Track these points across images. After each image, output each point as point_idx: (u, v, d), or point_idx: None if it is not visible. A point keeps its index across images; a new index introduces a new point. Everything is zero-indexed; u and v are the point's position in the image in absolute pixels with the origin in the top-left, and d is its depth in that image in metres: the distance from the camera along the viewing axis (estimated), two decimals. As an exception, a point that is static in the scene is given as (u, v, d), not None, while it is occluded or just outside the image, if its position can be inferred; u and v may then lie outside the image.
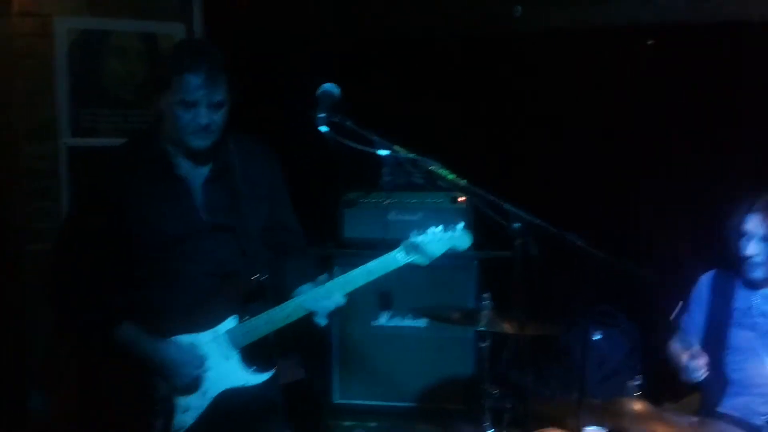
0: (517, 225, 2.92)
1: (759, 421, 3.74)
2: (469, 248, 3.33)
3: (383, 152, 3.07)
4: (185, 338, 3.28)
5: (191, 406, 3.27)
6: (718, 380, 3.88)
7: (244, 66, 5.01)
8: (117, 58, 5.22)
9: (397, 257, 3.28)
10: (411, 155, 3.09)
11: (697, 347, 3.81)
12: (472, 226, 3.33)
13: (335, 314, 3.34)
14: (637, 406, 3.49)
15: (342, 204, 5.34)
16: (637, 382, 3.57)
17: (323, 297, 3.27)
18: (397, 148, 3.08)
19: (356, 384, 5.29)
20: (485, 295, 4.18)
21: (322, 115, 3.03)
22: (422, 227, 3.30)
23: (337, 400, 5.29)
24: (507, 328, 3.98)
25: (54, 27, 5.12)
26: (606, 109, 5.52)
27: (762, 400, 3.77)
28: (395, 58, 5.69)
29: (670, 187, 5.37)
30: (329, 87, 3.10)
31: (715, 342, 3.87)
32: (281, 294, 3.37)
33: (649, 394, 3.63)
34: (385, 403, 5.23)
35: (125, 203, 3.25)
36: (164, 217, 3.27)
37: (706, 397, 3.93)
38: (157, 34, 5.20)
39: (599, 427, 3.72)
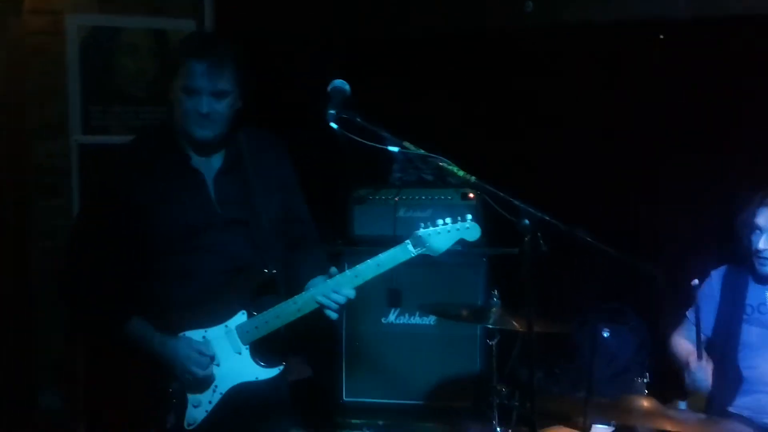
0: (526, 221, 2.92)
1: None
2: (478, 243, 3.34)
3: (393, 149, 3.08)
4: (196, 333, 3.29)
5: (202, 401, 3.28)
6: (730, 377, 3.86)
7: (255, 62, 5.06)
8: (128, 55, 5.24)
9: (407, 249, 3.28)
10: (421, 152, 3.09)
11: (701, 358, 3.79)
12: (482, 223, 3.33)
13: (345, 308, 3.34)
14: (646, 403, 3.49)
15: (352, 200, 5.32)
16: (646, 380, 3.58)
17: (333, 290, 3.27)
18: (407, 144, 3.09)
19: (364, 382, 5.26)
20: (494, 293, 4.18)
21: (333, 111, 3.04)
22: (431, 222, 3.31)
23: (345, 397, 5.27)
24: (516, 325, 3.97)
25: (65, 24, 5.15)
26: (615, 105, 5.50)
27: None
28: (405, 55, 5.68)
29: (679, 183, 5.36)
30: (339, 83, 3.11)
31: (727, 338, 3.86)
32: (293, 287, 3.37)
33: (658, 391, 3.63)
34: (393, 401, 5.20)
35: (138, 198, 3.27)
36: (178, 210, 3.29)
37: (716, 394, 3.91)
38: (167, 31, 5.22)
39: (607, 425, 3.72)
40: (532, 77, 5.66)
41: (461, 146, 3.52)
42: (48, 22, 5.13)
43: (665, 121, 5.44)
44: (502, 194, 2.97)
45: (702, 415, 3.62)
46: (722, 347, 3.91)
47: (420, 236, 3.28)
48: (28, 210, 5.25)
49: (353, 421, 5.15)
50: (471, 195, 5.08)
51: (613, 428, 3.80)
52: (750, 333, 3.90)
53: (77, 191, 5.19)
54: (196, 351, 3.25)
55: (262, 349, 3.34)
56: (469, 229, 3.31)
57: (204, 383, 3.27)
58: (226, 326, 3.31)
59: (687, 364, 3.86)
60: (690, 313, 4.08)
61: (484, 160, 3.80)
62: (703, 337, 4.04)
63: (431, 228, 3.28)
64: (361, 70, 4.38)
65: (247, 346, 3.31)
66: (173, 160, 3.33)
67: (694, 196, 5.27)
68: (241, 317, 3.31)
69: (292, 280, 3.43)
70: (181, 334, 3.28)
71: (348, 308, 4.79)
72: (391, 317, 5.21)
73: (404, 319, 5.20)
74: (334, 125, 3.04)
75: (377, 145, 3.06)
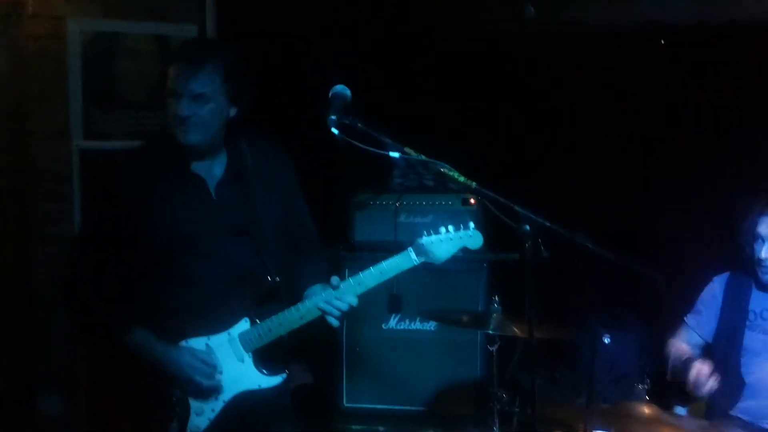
0: (527, 227, 2.92)
1: (769, 425, 3.73)
2: (479, 249, 3.34)
3: (394, 154, 3.08)
4: (199, 341, 3.29)
5: (205, 409, 3.27)
6: (732, 382, 3.86)
7: (256, 67, 5.06)
8: (130, 60, 5.23)
9: (409, 257, 3.28)
10: (422, 157, 3.10)
11: (705, 363, 3.79)
12: (483, 228, 3.33)
13: (347, 316, 3.34)
14: (646, 409, 3.50)
15: (352, 206, 5.33)
16: (647, 386, 3.58)
17: (336, 298, 3.27)
18: (408, 150, 3.09)
19: (365, 387, 5.26)
20: (494, 298, 4.18)
21: (334, 117, 3.05)
22: (433, 229, 3.31)
23: (346, 403, 5.27)
24: (516, 331, 3.97)
25: (67, 29, 5.14)
26: (617, 110, 5.52)
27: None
28: (406, 57, 5.70)
29: (680, 188, 5.36)
30: (341, 89, 3.12)
31: (729, 344, 3.86)
32: (296, 295, 3.37)
33: (658, 397, 3.63)
34: (393, 407, 5.20)
35: (140, 205, 3.27)
36: (180, 217, 3.28)
37: (717, 400, 3.91)
38: (169, 37, 5.21)
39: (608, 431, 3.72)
40: (533, 80, 5.67)
41: (462, 149, 3.53)
42: (50, 27, 5.13)
43: (667, 125, 5.45)
44: (502, 200, 2.98)
45: (702, 421, 3.62)
46: (724, 353, 3.91)
47: (422, 244, 3.28)
48: (30, 214, 5.25)
49: (354, 427, 5.14)
50: (472, 200, 5.08)
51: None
52: (752, 339, 3.90)
53: (78, 196, 5.18)
54: (199, 360, 3.25)
55: (265, 357, 3.33)
56: (471, 237, 3.31)
57: (207, 391, 3.27)
58: (229, 334, 3.30)
59: (683, 365, 3.84)
60: (689, 318, 4.08)
61: (485, 163, 3.82)
62: (704, 342, 4.05)
63: (434, 236, 3.29)
64: (363, 73, 4.40)
65: (250, 354, 3.31)
66: (173, 166, 3.32)
67: (696, 200, 5.28)
68: (244, 325, 3.31)
69: (294, 287, 3.42)
70: (184, 342, 3.27)
71: (349, 314, 4.81)
72: (392, 323, 5.21)
73: (405, 325, 5.20)
74: (335, 131, 3.05)
75: (378, 151, 3.07)
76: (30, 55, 5.14)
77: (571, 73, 5.63)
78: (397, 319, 5.19)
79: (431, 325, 5.15)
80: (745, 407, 3.85)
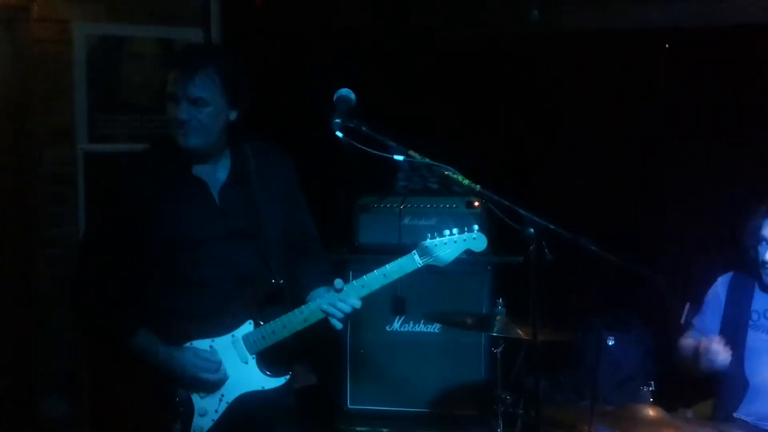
0: (531, 230, 2.93)
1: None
2: (483, 252, 3.34)
3: (398, 157, 3.09)
4: (203, 343, 3.29)
5: (209, 410, 3.28)
6: (736, 383, 3.86)
7: (261, 70, 5.07)
8: (135, 64, 5.25)
9: (413, 260, 3.27)
10: (426, 160, 3.10)
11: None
12: (487, 231, 3.33)
13: (351, 318, 3.35)
14: (651, 411, 3.50)
15: (357, 209, 5.33)
16: (651, 388, 3.58)
17: (339, 300, 3.27)
18: (412, 153, 3.10)
19: (369, 389, 5.26)
20: (499, 301, 4.19)
21: (338, 120, 3.06)
22: (437, 232, 3.30)
23: (350, 405, 5.27)
24: (520, 333, 3.98)
25: (73, 33, 5.16)
26: (619, 112, 5.52)
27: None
28: (406, 59, 5.70)
29: (683, 190, 5.37)
30: (345, 92, 3.13)
31: (732, 344, 3.85)
32: (299, 298, 3.38)
33: (663, 399, 3.63)
34: (397, 409, 5.20)
35: (145, 209, 3.28)
36: (183, 221, 3.29)
37: (722, 401, 3.91)
38: (174, 40, 5.23)
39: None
40: (535, 82, 5.67)
41: (463, 150, 3.54)
42: (56, 31, 5.14)
43: (669, 127, 5.45)
44: (506, 203, 2.98)
45: (707, 424, 3.62)
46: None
47: (426, 246, 3.27)
48: (33, 216, 5.26)
49: (358, 428, 5.15)
50: (476, 203, 5.08)
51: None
52: (756, 339, 3.90)
53: (83, 199, 5.20)
54: (202, 358, 3.26)
55: (269, 358, 3.34)
56: (475, 239, 3.29)
57: (212, 390, 3.28)
58: (233, 336, 3.31)
59: (698, 349, 3.82)
60: (696, 321, 4.08)
61: (486, 164, 3.82)
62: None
63: (438, 238, 3.28)
64: (365, 74, 4.40)
65: (254, 356, 3.31)
66: (176, 171, 3.33)
67: (699, 202, 5.28)
68: (248, 327, 3.31)
69: (297, 290, 3.43)
70: (188, 344, 3.28)
71: (353, 316, 4.82)
72: (396, 325, 5.22)
73: (409, 327, 5.20)
74: (339, 134, 3.06)
75: (382, 154, 3.08)
76: (35, 59, 5.16)
77: (572, 75, 5.63)
78: (401, 321, 5.20)
79: (435, 327, 5.15)
80: (749, 409, 3.84)
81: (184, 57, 3.33)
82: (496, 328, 4.08)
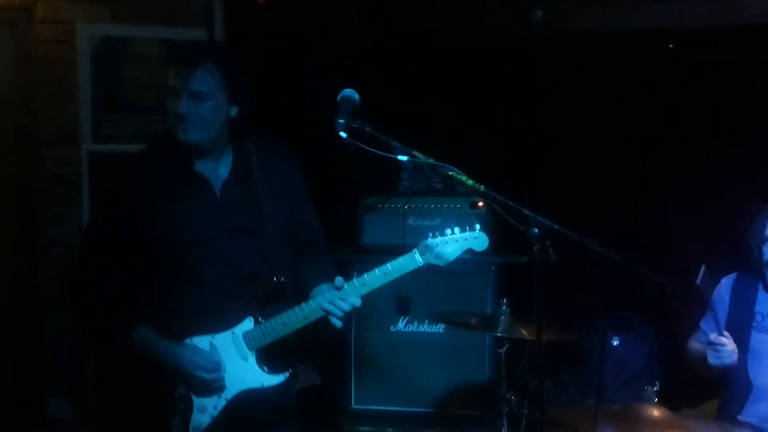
0: (535, 230, 2.93)
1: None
2: (487, 252, 3.34)
3: (402, 158, 3.09)
4: (203, 339, 3.30)
5: (208, 407, 3.28)
6: (739, 385, 3.86)
7: (264, 70, 5.07)
8: (139, 65, 5.26)
9: (414, 259, 3.27)
10: (430, 161, 3.10)
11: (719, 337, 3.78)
12: (491, 232, 3.33)
13: (352, 316, 3.36)
14: (655, 412, 3.50)
15: (361, 209, 5.33)
16: (656, 388, 3.57)
17: (339, 299, 3.27)
18: (416, 153, 3.10)
19: (373, 389, 5.26)
20: (503, 301, 4.19)
21: (342, 120, 3.06)
22: (439, 231, 3.30)
23: (354, 405, 5.27)
24: (525, 333, 3.98)
25: (77, 34, 5.17)
26: (621, 113, 5.51)
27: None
28: (413, 62, 5.70)
29: (689, 190, 5.36)
30: (349, 93, 3.13)
31: (737, 344, 3.85)
32: (301, 295, 3.38)
33: (668, 400, 3.63)
34: (401, 409, 5.19)
35: (146, 206, 3.28)
36: (185, 218, 3.29)
37: (726, 402, 3.91)
38: (178, 41, 5.24)
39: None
40: (536, 82, 5.66)
41: (463, 151, 3.53)
42: (60, 32, 5.16)
43: (671, 127, 5.44)
44: (511, 203, 2.98)
45: (711, 423, 3.61)
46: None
47: (427, 245, 3.27)
48: (38, 217, 5.27)
49: (362, 428, 5.15)
50: (480, 204, 5.08)
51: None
52: (760, 341, 3.89)
53: (87, 199, 5.21)
54: (201, 356, 3.26)
55: (269, 356, 3.34)
56: (477, 238, 3.30)
57: (210, 388, 3.28)
58: (233, 333, 3.31)
59: (706, 348, 3.82)
60: (703, 323, 4.08)
61: (487, 165, 3.80)
62: None
63: (439, 237, 3.27)
64: (372, 77, 4.40)
65: (254, 353, 3.32)
66: (177, 167, 3.34)
67: (701, 202, 5.27)
68: (248, 324, 3.32)
69: (299, 287, 3.43)
70: (188, 340, 3.29)
71: (357, 316, 4.83)
72: (400, 325, 5.21)
73: (413, 327, 5.20)
74: (343, 134, 3.06)
75: (386, 155, 3.08)
76: (39, 60, 5.18)
77: (572, 75, 5.62)
78: (405, 321, 5.20)
79: (439, 328, 5.15)
80: (753, 410, 3.84)
81: (184, 51, 3.38)
82: (500, 329, 4.08)
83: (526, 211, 2.95)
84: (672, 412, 3.53)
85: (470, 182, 3.06)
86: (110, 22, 5.22)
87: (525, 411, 4.20)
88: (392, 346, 5.23)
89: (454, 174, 3.07)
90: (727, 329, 3.95)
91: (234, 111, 3.32)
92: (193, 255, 3.29)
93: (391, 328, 5.23)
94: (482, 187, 3.05)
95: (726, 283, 4.07)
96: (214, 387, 3.28)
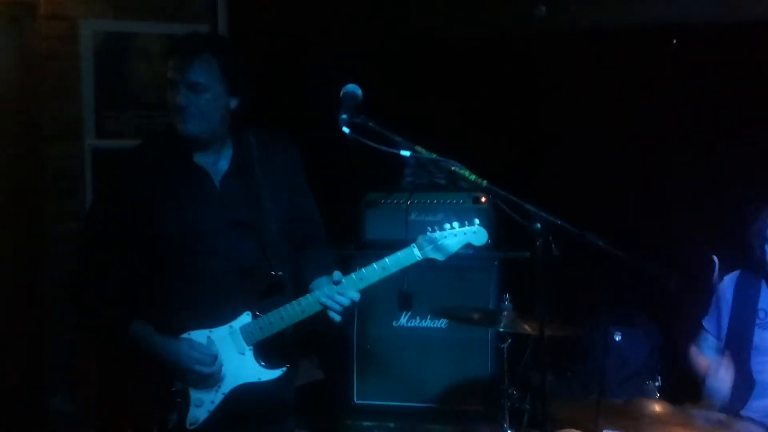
0: (538, 225, 2.93)
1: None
2: (490, 247, 3.34)
3: (405, 153, 3.09)
4: (201, 334, 3.30)
5: (205, 401, 3.28)
6: (742, 381, 3.87)
7: (267, 66, 5.07)
8: (142, 61, 5.27)
9: (412, 253, 3.27)
10: (433, 156, 3.10)
11: (718, 366, 3.81)
12: (494, 227, 3.34)
13: (351, 311, 3.33)
14: (657, 407, 3.50)
15: (363, 204, 5.34)
16: (658, 383, 3.58)
17: (338, 293, 3.26)
18: (418, 148, 3.09)
19: (375, 384, 5.26)
20: (505, 296, 4.19)
21: (345, 116, 3.05)
22: (438, 226, 3.30)
23: (356, 400, 5.26)
24: (527, 329, 3.98)
25: (80, 30, 5.18)
26: (628, 110, 5.51)
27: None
28: (416, 59, 5.70)
29: (693, 186, 5.36)
30: (352, 88, 3.11)
31: (739, 343, 3.87)
32: (301, 288, 3.37)
33: (670, 394, 3.63)
34: (404, 404, 5.19)
35: (145, 200, 3.28)
36: (184, 212, 3.29)
37: (729, 398, 3.92)
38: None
39: (618, 430, 3.72)
40: (554, 78, 5.66)
41: (473, 149, 3.53)
42: (63, 28, 5.17)
43: (672, 125, 5.44)
44: (513, 198, 2.98)
45: (715, 416, 3.62)
46: (735, 351, 3.91)
47: (426, 240, 3.27)
48: (42, 213, 5.28)
49: (364, 423, 5.14)
50: (483, 199, 5.08)
51: (623, 432, 3.80)
52: (762, 337, 3.91)
53: (91, 195, 5.22)
54: (197, 350, 3.26)
55: (267, 350, 3.34)
56: (476, 233, 3.29)
57: (208, 382, 3.28)
58: (231, 327, 3.31)
59: (705, 375, 3.87)
60: (706, 322, 4.09)
61: (504, 161, 3.80)
62: (718, 342, 4.05)
63: (437, 232, 3.28)
64: (375, 73, 4.40)
65: (251, 347, 3.32)
66: (176, 160, 3.33)
67: (708, 199, 5.27)
68: (245, 318, 3.31)
69: (299, 281, 3.42)
70: (185, 335, 3.28)
71: (360, 311, 4.82)
72: (403, 320, 5.21)
73: (416, 323, 5.20)
74: (346, 130, 3.06)
75: (389, 150, 3.07)
76: (42, 56, 5.19)
77: (588, 73, 5.61)
78: (407, 316, 5.20)
79: (442, 323, 5.14)
80: (756, 406, 3.86)
81: (182, 44, 3.32)
82: (502, 324, 4.08)
83: (528, 206, 2.95)
84: (674, 407, 3.53)
85: (473, 177, 3.06)
86: (113, 18, 5.24)
87: (527, 406, 4.20)
88: (394, 341, 5.23)
89: (457, 169, 3.07)
90: (730, 327, 3.98)
91: (233, 103, 3.32)
92: (191, 249, 3.29)
93: (394, 323, 5.23)
94: (485, 182, 3.05)
95: (729, 282, 4.08)
96: (211, 381, 3.28)
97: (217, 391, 3.30)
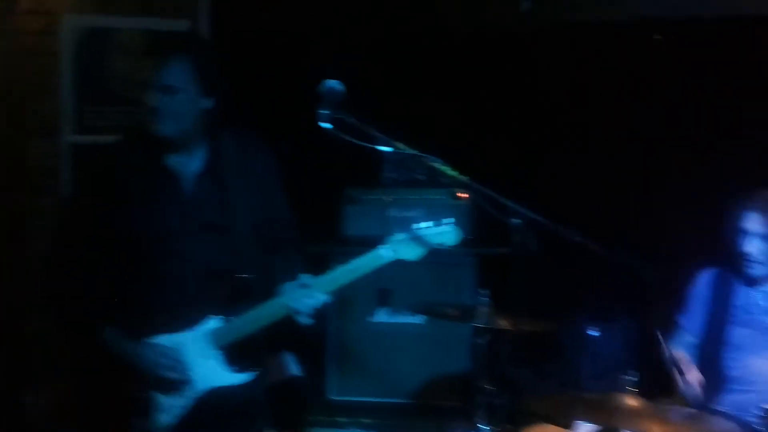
0: (517, 221, 2.96)
1: (752, 417, 3.76)
2: (468, 243, 3.34)
3: (385, 149, 3.11)
4: (165, 339, 3.27)
5: (171, 406, 3.25)
6: (716, 377, 3.92)
7: (250, 62, 5.06)
8: (122, 56, 5.26)
9: (382, 255, 3.26)
10: (413, 152, 3.13)
11: (690, 364, 3.85)
12: (473, 222, 3.35)
13: (327, 310, 3.33)
14: (632, 401, 3.53)
15: (343, 200, 5.34)
16: (633, 378, 3.61)
17: (306, 296, 3.24)
18: (399, 144, 3.12)
19: (353, 380, 5.27)
20: (483, 292, 4.21)
21: (325, 111, 3.07)
22: (409, 226, 3.27)
23: (332, 396, 5.27)
24: (504, 324, 4.01)
25: (60, 25, 5.16)
26: (607, 105, 5.52)
27: (759, 396, 3.76)
28: (399, 55, 5.69)
29: (669, 184, 5.39)
30: (333, 83, 3.12)
31: (714, 339, 3.91)
32: (270, 292, 3.33)
33: (644, 389, 3.66)
34: (381, 400, 5.21)
35: (114, 200, 3.26)
36: (150, 214, 3.27)
37: (702, 394, 3.95)
38: (162, 32, 5.24)
39: (591, 424, 3.75)
40: (536, 73, 5.66)
41: (460, 147, 3.55)
42: (43, 23, 5.15)
43: (659, 121, 5.46)
44: (492, 193, 3.01)
45: (689, 411, 3.65)
46: (710, 348, 3.96)
47: (395, 242, 3.26)
48: (21, 209, 5.25)
49: (341, 419, 5.14)
50: (463, 194, 5.07)
51: (597, 427, 3.84)
52: (737, 334, 3.95)
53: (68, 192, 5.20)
54: (164, 356, 3.24)
55: (235, 353, 3.31)
56: (449, 232, 3.25)
57: (174, 386, 3.25)
58: (199, 331, 3.28)
59: (680, 370, 3.90)
60: (681, 319, 4.13)
61: (485, 157, 3.80)
62: (693, 339, 4.10)
63: (407, 233, 3.26)
64: (359, 70, 4.40)
65: (219, 351, 3.29)
66: (146, 161, 3.31)
67: (686, 196, 5.30)
68: (213, 322, 3.29)
69: (268, 286, 3.37)
70: (152, 339, 3.26)
71: (336, 307, 4.82)
72: (381, 316, 5.22)
73: (394, 318, 5.21)
74: (326, 125, 3.07)
75: (370, 146, 3.09)
76: (23, 51, 5.16)
77: (570, 69, 5.62)
78: (386, 312, 5.21)
79: (420, 318, 5.15)
80: (729, 400, 3.90)
81: (157, 45, 3.36)
82: (479, 319, 4.09)
83: (507, 202, 2.98)
84: (648, 402, 3.57)
85: (452, 173, 3.09)
86: (94, 13, 5.22)
87: (503, 401, 4.22)
88: (372, 337, 5.24)
89: (437, 165, 3.10)
90: (706, 323, 4.02)
91: (209, 103, 3.30)
92: (157, 251, 3.26)
93: (372, 319, 5.23)
94: (464, 177, 3.08)
95: (706, 279, 4.11)
96: (177, 386, 3.26)
97: (185, 396, 3.27)
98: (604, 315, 5.36)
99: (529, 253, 2.98)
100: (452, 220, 3.27)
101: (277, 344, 3.55)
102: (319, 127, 3.08)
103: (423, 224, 3.26)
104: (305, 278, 3.27)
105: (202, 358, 3.28)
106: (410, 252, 3.27)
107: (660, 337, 4.05)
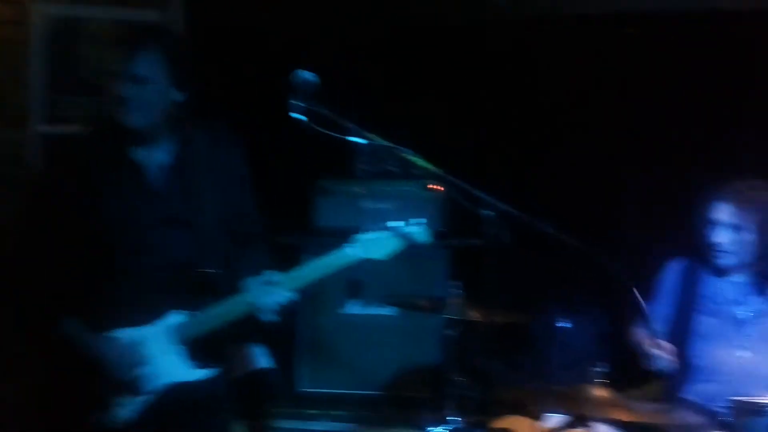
0: (489, 212, 2.97)
1: (719, 407, 3.81)
2: (438, 236, 3.33)
3: (358, 140, 3.12)
4: (125, 333, 3.25)
5: (131, 401, 3.23)
6: (684, 367, 3.94)
7: (222, 52, 5.04)
8: (93, 46, 5.23)
9: (348, 253, 3.27)
10: (386, 143, 3.13)
11: (659, 339, 3.89)
12: (446, 214, 3.36)
13: (289, 309, 3.30)
14: (600, 392, 3.56)
15: (315, 192, 5.31)
16: (602, 369, 3.64)
17: (269, 293, 3.25)
18: (372, 136, 3.12)
19: (322, 372, 5.25)
20: (455, 283, 4.22)
21: (297, 102, 3.06)
22: (396, 216, 3.29)
23: (302, 388, 5.25)
24: (476, 315, 4.02)
25: (31, 14, 5.12)
26: (580, 97, 5.53)
27: (726, 387, 3.80)
28: (372, 47, 5.67)
29: (640, 175, 5.42)
30: (305, 74, 3.11)
31: (681, 329, 3.94)
32: (234, 287, 3.32)
33: (614, 381, 3.70)
34: (351, 392, 5.20)
35: (78, 191, 3.24)
36: (114, 206, 3.24)
37: (670, 384, 4.00)
38: (134, 22, 5.21)
39: (561, 415, 3.78)
40: (513, 66, 5.66)
41: (433, 139, 3.55)
42: (13, 12, 5.10)
43: (633, 114, 5.48)
44: (465, 186, 3.02)
45: (655, 404, 3.69)
46: (677, 337, 3.99)
47: (361, 241, 3.27)
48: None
49: (310, 411, 5.10)
50: (436, 186, 5.06)
51: (567, 417, 3.86)
52: (704, 323, 3.99)
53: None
54: (124, 351, 3.22)
55: (198, 348, 3.30)
56: (417, 231, 3.28)
57: (135, 381, 3.23)
58: (162, 325, 3.27)
59: (649, 356, 3.93)
60: (651, 308, 4.16)
61: (460, 149, 3.79)
62: (660, 328, 4.13)
63: (373, 233, 3.27)
64: (332, 61, 4.39)
65: (181, 346, 3.28)
66: (112, 153, 3.29)
67: (656, 186, 5.33)
68: (176, 317, 3.28)
69: (233, 279, 3.36)
70: (113, 333, 3.24)
71: (307, 298, 4.80)
72: (351, 308, 5.22)
73: (364, 310, 5.22)
74: (298, 116, 3.06)
75: (342, 136, 3.09)
76: (-7, 40, 5.13)
77: (547, 62, 5.63)
78: (357, 303, 5.21)
79: (391, 310, 5.13)
80: (696, 390, 3.94)
81: (126, 35, 3.34)
82: (451, 311, 4.11)
83: (479, 194, 2.99)
84: (617, 393, 3.60)
85: (425, 165, 3.09)
86: (64, 2, 5.19)
87: (472, 393, 4.24)
88: (343, 329, 5.22)
89: (410, 157, 3.10)
90: (674, 313, 4.05)
91: (178, 96, 3.29)
92: (121, 244, 3.24)
93: (343, 310, 5.23)
94: (437, 169, 3.08)
95: (674, 269, 4.15)
96: (139, 381, 3.24)
97: (146, 391, 3.25)
98: (574, 307, 5.39)
99: (502, 245, 2.99)
100: (423, 220, 3.29)
101: (244, 337, 3.52)
102: (292, 118, 3.06)
103: (393, 223, 3.27)
104: (270, 275, 3.26)
105: (164, 353, 3.26)
106: (379, 251, 3.28)
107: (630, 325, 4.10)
